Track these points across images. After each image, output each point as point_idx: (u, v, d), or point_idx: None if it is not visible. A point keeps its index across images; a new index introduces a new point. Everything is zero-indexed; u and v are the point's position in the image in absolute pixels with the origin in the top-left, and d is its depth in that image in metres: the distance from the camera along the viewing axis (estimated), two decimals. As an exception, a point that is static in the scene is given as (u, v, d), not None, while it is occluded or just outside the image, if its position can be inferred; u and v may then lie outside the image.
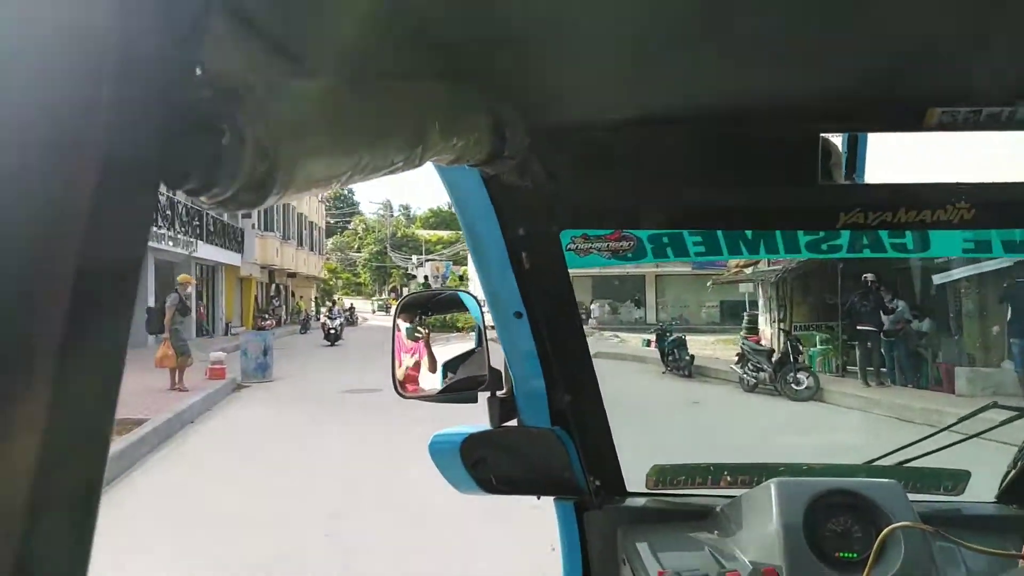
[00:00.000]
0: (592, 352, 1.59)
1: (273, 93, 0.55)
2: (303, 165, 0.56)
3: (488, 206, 1.29)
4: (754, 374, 13.16)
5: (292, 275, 46.27)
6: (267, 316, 34.97)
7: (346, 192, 78.91)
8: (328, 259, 69.59)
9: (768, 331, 18.08)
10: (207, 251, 27.51)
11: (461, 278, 45.96)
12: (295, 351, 24.26)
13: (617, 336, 27.10)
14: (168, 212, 23.47)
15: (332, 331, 28.85)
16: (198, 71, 0.50)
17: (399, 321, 1.75)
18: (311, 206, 50.43)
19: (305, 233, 49.06)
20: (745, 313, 22.41)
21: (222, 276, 32.20)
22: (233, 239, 32.54)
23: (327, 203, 63.93)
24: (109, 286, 0.42)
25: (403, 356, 1.73)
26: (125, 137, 0.40)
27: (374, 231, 75.88)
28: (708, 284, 25.80)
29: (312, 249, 51.85)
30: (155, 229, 19.28)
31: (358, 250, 76.70)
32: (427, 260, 55.08)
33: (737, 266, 17.95)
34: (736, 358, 13.97)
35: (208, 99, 0.49)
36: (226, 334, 30.09)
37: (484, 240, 1.37)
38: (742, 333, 18.37)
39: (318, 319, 36.19)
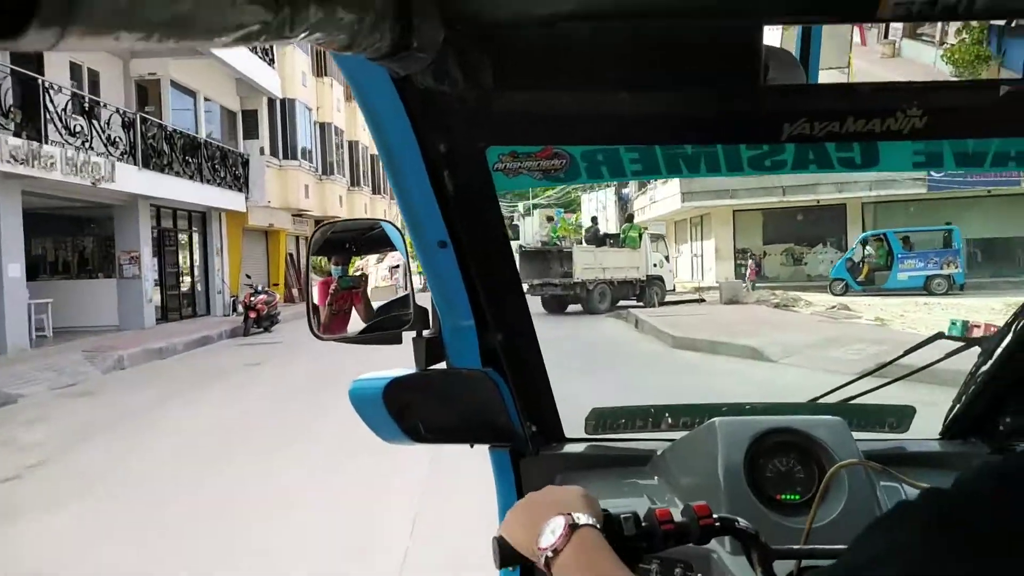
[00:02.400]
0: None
1: None
2: None
3: (403, 116, 1.15)
4: None
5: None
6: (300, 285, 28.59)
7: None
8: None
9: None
10: (173, 187, 20.04)
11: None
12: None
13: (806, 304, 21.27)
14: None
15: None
16: None
17: (314, 258, 1.61)
18: (353, 120, 37.05)
19: (365, 169, 38.79)
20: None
21: (217, 226, 24.68)
22: (229, 171, 23.70)
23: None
24: None
25: (321, 295, 1.60)
26: None
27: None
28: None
29: (379, 191, 40.99)
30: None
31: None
32: (535, 207, 45.35)
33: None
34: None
35: None
36: (232, 312, 23.28)
37: (400, 158, 1.22)
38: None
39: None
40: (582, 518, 0.81)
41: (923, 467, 1.52)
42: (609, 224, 38.79)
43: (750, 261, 29.55)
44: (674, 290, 27.01)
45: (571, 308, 23.26)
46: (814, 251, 30.55)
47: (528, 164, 1.30)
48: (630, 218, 26.35)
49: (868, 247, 25.92)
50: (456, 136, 1.20)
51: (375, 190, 39.85)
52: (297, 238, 32.13)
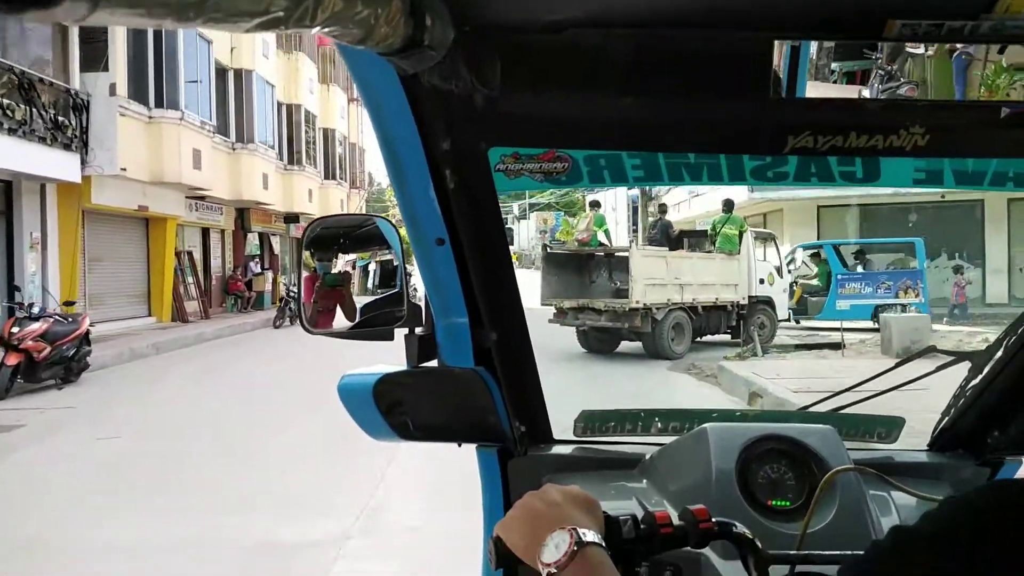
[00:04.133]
0: None
1: None
2: None
3: (407, 113, 1.15)
4: None
5: (291, 218, 29.03)
6: (228, 292, 24.49)
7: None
8: (379, 196, 52.83)
9: None
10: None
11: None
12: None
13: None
14: None
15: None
16: None
17: (307, 253, 1.61)
18: (329, 106, 32.28)
19: (317, 148, 30.91)
20: None
21: (36, 205, 15.87)
22: (49, 118, 14.89)
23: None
24: None
25: (317, 295, 1.59)
26: None
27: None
28: None
29: (335, 176, 33.25)
30: None
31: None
32: (531, 209, 38.88)
33: None
34: None
35: None
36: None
37: (403, 155, 1.22)
38: None
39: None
40: (588, 534, 0.80)
41: (911, 477, 1.54)
42: (619, 231, 29.83)
43: (958, 276, 20.33)
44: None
45: (625, 346, 14.88)
46: (935, 264, 20.84)
47: (530, 166, 1.30)
48: (728, 206, 16.04)
49: (803, 263, 19.64)
50: (459, 135, 1.20)
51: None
52: (205, 231, 24.35)
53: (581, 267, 15.72)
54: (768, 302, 16.03)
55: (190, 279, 22.60)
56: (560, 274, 15.16)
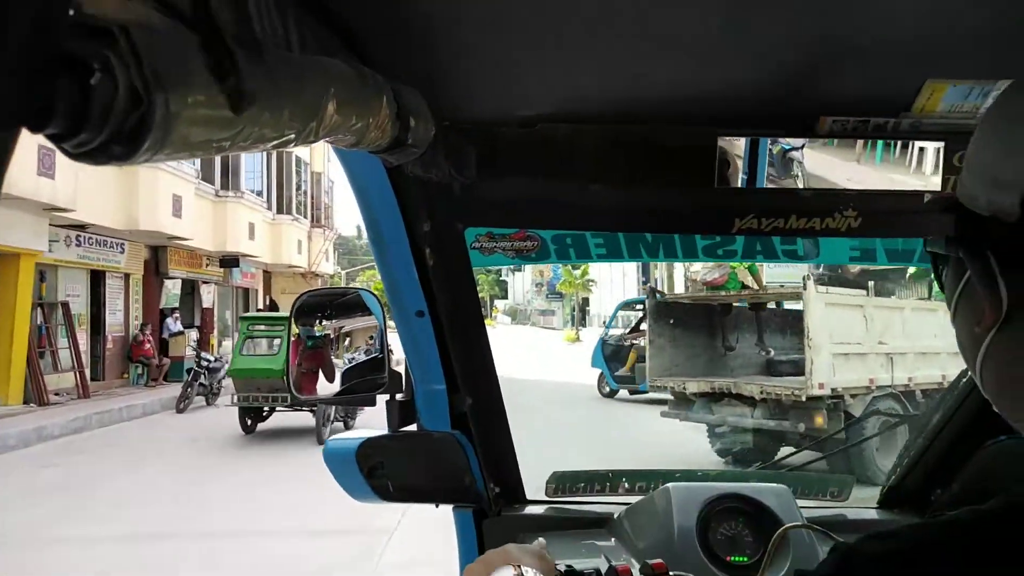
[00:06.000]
0: None
1: (152, 38, 0.51)
2: (180, 122, 0.53)
3: (391, 199, 1.27)
4: None
5: (230, 260, 22.34)
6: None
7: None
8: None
9: None
10: None
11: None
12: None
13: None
14: None
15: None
16: (70, 10, 0.46)
17: (296, 324, 1.69)
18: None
19: (264, 172, 24.51)
20: None
21: None
22: None
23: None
24: None
25: (301, 357, 1.68)
26: None
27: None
28: None
29: (288, 210, 25.98)
30: None
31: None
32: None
33: None
34: None
35: (79, 35, 0.45)
36: None
37: (386, 235, 1.34)
38: None
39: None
40: (529, 573, 0.90)
41: (861, 533, 1.62)
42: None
43: None
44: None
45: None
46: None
47: (503, 244, 1.42)
48: None
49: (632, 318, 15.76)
50: (438, 217, 1.32)
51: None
52: (96, 275, 17.73)
53: (712, 325, 10.12)
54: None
55: (63, 342, 16.14)
56: (678, 337, 9.77)
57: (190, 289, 21.70)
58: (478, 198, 1.29)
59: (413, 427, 1.60)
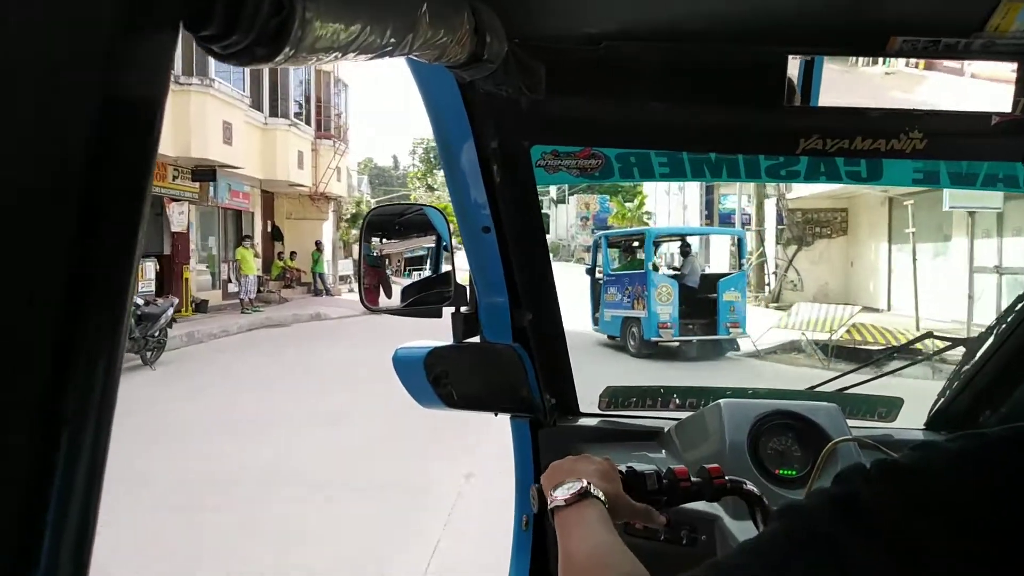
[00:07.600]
0: None
1: None
2: (314, 25, 0.58)
3: (463, 116, 1.31)
4: None
5: (204, 172, 17.61)
6: None
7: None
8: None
9: None
10: None
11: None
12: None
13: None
14: None
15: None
16: None
17: (365, 237, 1.77)
18: None
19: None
20: None
21: None
22: None
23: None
24: (129, 122, 0.43)
25: (364, 272, 1.76)
26: None
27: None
28: None
29: (284, 113, 21.40)
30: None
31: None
32: (572, 192, 31.55)
33: None
34: None
35: None
36: None
37: (457, 152, 1.39)
38: None
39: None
40: (595, 490, 0.97)
41: None
42: (687, 215, 25.94)
43: None
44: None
45: None
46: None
47: (567, 162, 1.45)
48: None
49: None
50: (506, 134, 1.37)
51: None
52: None
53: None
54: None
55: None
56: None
57: (159, 209, 16.76)
58: (545, 116, 1.33)
59: (476, 339, 1.68)
